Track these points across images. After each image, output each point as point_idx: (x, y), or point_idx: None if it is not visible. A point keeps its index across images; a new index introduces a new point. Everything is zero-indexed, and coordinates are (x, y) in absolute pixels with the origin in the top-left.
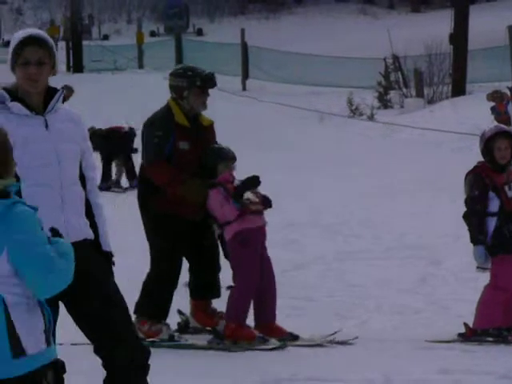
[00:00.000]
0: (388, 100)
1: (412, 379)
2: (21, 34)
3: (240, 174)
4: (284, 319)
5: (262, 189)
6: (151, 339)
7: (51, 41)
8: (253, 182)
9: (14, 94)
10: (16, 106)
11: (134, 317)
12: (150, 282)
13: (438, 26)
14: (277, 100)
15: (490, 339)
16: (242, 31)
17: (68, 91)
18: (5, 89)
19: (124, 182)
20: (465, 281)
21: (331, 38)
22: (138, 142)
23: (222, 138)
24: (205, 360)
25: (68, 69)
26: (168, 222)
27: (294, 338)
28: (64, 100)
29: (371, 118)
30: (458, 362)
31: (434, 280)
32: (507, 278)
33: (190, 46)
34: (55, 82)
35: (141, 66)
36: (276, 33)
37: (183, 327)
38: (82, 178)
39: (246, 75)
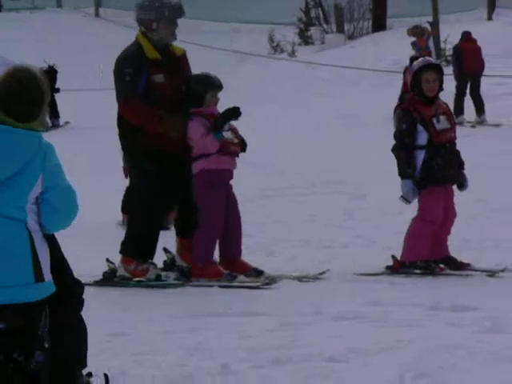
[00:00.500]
0: (309, 36)
1: (341, 311)
2: None
3: None
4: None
5: None
6: (138, 278)
7: None
8: (233, 113)
9: None
10: None
11: (119, 256)
12: (136, 221)
13: None
14: (200, 39)
15: (418, 271)
16: None
17: None
18: None
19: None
20: (391, 214)
21: None
22: (59, 82)
23: None
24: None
25: None
26: (154, 157)
27: (259, 273)
28: None
29: (292, 54)
30: (387, 295)
31: (360, 214)
32: (435, 210)
33: None
34: None
35: (59, 5)
36: None
37: (169, 265)
38: None
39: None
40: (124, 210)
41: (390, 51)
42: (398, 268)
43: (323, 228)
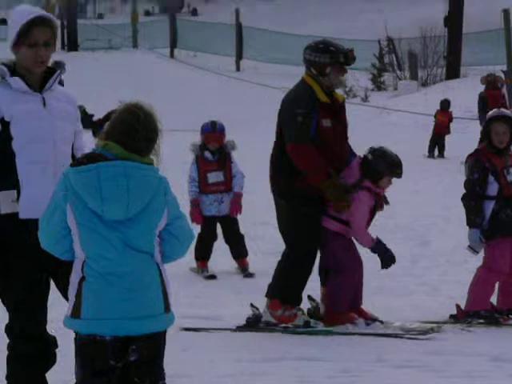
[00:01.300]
0: (382, 82)
1: (403, 359)
2: (26, 13)
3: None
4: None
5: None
6: (284, 325)
7: (56, 21)
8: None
9: (14, 69)
10: (16, 82)
11: (265, 300)
12: (288, 265)
13: (433, 8)
14: (269, 81)
15: (482, 321)
16: (237, 11)
17: (59, 67)
18: (4, 64)
19: None
20: (455, 263)
21: (326, 20)
22: None
23: (215, 118)
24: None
25: (63, 47)
26: (311, 201)
27: (380, 322)
28: None
29: (365, 99)
30: (449, 344)
31: (424, 261)
32: (502, 261)
33: (184, 26)
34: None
35: (135, 45)
36: (271, 14)
37: (312, 314)
38: (73, 159)
39: (239, 56)
40: (197, 257)
41: (463, 98)
42: (462, 317)
43: (389, 275)
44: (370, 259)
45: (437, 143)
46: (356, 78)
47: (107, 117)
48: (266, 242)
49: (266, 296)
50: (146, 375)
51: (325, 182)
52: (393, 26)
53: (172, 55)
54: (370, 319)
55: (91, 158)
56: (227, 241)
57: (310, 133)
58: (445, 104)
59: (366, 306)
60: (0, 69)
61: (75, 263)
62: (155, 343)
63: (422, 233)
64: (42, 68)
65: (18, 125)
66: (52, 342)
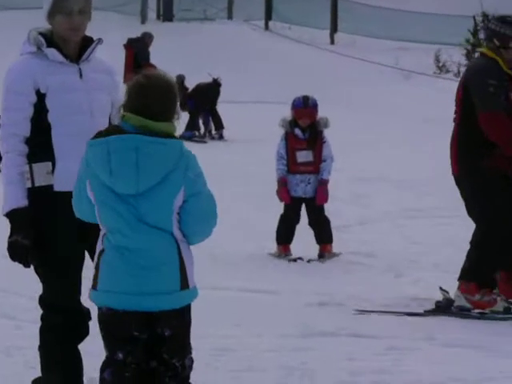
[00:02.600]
0: None
1: (455, 338)
2: None
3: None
4: (342, 275)
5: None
6: (479, 310)
7: None
8: None
9: (50, 39)
10: (52, 53)
11: (457, 283)
12: (484, 248)
13: None
14: (364, 55)
15: None
16: None
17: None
18: (41, 33)
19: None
20: None
21: None
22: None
23: (308, 93)
24: None
25: (158, 17)
26: (502, 180)
27: None
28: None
29: (458, 75)
30: (506, 324)
31: None
32: None
33: None
34: (144, 29)
35: (230, 17)
36: None
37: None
38: None
39: (334, 29)
40: (279, 241)
41: None
42: None
43: (458, 252)
44: None
45: None
46: (449, 53)
47: (196, 89)
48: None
49: (460, 279)
50: (174, 351)
51: None
52: (488, 1)
53: (267, 27)
54: None
55: (108, 131)
56: (311, 224)
57: (501, 103)
58: None
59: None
60: (36, 39)
61: (100, 234)
62: (179, 319)
63: None
64: (77, 36)
65: (53, 96)
66: (85, 314)
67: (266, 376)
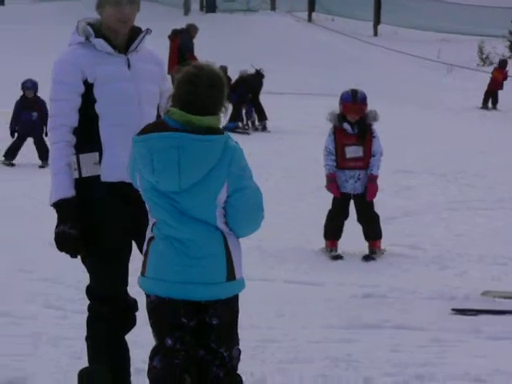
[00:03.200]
0: None
1: (500, 330)
2: None
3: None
4: (386, 267)
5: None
6: None
7: None
8: None
9: (98, 30)
10: (100, 43)
11: None
12: None
13: None
14: (407, 47)
15: None
16: None
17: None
18: (89, 24)
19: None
20: None
21: None
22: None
23: (350, 85)
24: None
25: (201, 8)
26: None
27: None
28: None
29: None
30: None
31: None
32: None
33: None
34: (187, 21)
35: (273, 8)
36: None
37: None
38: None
39: (377, 20)
40: (326, 236)
41: None
42: None
43: (502, 244)
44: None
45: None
46: (493, 45)
47: (239, 80)
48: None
49: None
50: (222, 340)
51: None
52: None
53: (310, 19)
54: None
55: (154, 126)
56: (360, 220)
57: None
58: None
59: (474, 274)
60: (85, 29)
61: (150, 222)
62: (226, 308)
63: None
64: (126, 27)
65: (101, 87)
66: (131, 305)
67: (312, 367)
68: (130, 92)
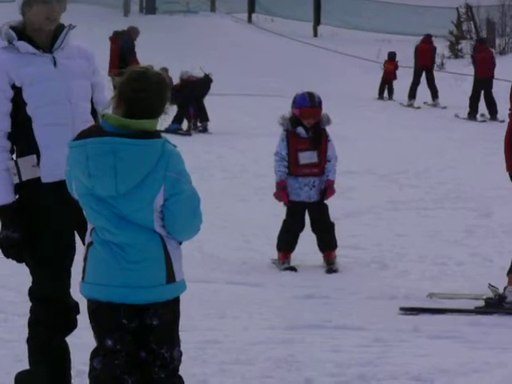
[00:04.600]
0: (459, 50)
1: (439, 329)
2: None
3: None
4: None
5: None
6: None
7: None
8: None
9: (22, 32)
10: (23, 45)
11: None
12: None
13: None
14: (346, 48)
15: None
16: None
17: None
18: (12, 27)
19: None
20: None
21: None
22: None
23: (291, 86)
24: None
25: (141, 9)
26: None
27: None
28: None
29: (441, 67)
30: (491, 315)
31: (482, 232)
32: None
33: None
34: (127, 22)
35: (213, 9)
36: None
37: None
38: (95, 113)
39: (317, 21)
40: (279, 247)
41: None
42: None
43: (442, 244)
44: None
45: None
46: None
47: (185, 83)
48: None
49: (510, 273)
50: (162, 341)
51: None
52: None
53: (250, 20)
54: None
55: (90, 131)
56: (315, 230)
57: None
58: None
59: (413, 274)
60: (7, 33)
61: (88, 227)
62: (168, 310)
63: (486, 203)
64: (53, 25)
65: (29, 89)
66: (73, 308)
67: (254, 368)
68: (59, 90)
